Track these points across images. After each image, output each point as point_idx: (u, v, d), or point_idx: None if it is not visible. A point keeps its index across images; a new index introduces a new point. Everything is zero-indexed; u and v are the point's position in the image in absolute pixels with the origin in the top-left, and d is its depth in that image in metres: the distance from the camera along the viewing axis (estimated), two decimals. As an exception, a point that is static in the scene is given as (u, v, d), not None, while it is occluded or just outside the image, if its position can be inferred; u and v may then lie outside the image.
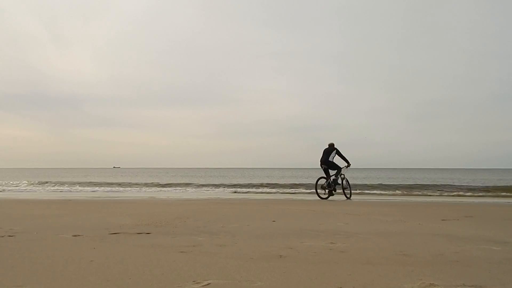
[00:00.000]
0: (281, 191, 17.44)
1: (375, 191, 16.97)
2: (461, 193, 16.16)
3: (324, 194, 11.39)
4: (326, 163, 11.50)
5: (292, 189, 18.21)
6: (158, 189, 19.31)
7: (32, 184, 21.06)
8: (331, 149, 11.61)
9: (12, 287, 2.17)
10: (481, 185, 21.22)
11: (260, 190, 18.38)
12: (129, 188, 19.18)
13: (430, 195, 15.13)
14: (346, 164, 11.58)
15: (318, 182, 11.57)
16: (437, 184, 22.37)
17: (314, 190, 11.71)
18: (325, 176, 11.56)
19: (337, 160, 11.65)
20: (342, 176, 11.56)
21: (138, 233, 4.16)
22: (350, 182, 11.82)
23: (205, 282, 2.26)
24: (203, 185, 21.49)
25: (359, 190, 16.70)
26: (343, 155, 11.58)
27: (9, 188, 18.80)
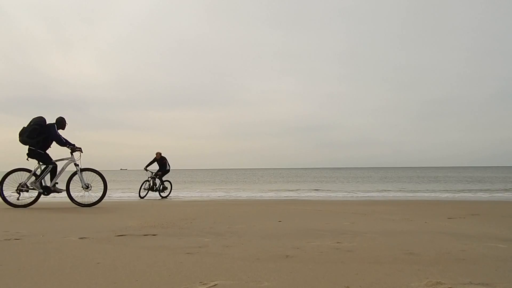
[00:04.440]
0: (287, 190, 17.40)
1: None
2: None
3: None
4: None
5: (298, 189, 18.18)
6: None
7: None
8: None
9: (20, 290, 2.18)
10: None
11: (266, 189, 18.35)
12: (136, 191, 19.20)
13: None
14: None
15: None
16: None
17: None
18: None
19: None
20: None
21: (144, 235, 4.17)
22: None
23: (212, 283, 2.26)
24: (208, 186, 21.48)
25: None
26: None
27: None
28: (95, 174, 8.04)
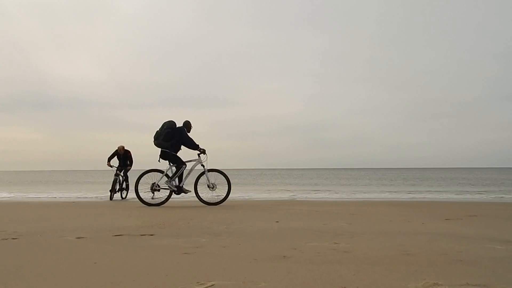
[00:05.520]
0: (283, 191, 17.41)
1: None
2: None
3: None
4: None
5: (295, 189, 18.19)
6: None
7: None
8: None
9: (17, 289, 2.18)
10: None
11: (263, 190, 18.35)
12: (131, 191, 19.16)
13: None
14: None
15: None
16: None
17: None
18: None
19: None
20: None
21: (141, 235, 4.17)
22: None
23: (209, 283, 2.26)
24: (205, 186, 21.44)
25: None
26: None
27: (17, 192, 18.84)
28: (220, 174, 8.30)
